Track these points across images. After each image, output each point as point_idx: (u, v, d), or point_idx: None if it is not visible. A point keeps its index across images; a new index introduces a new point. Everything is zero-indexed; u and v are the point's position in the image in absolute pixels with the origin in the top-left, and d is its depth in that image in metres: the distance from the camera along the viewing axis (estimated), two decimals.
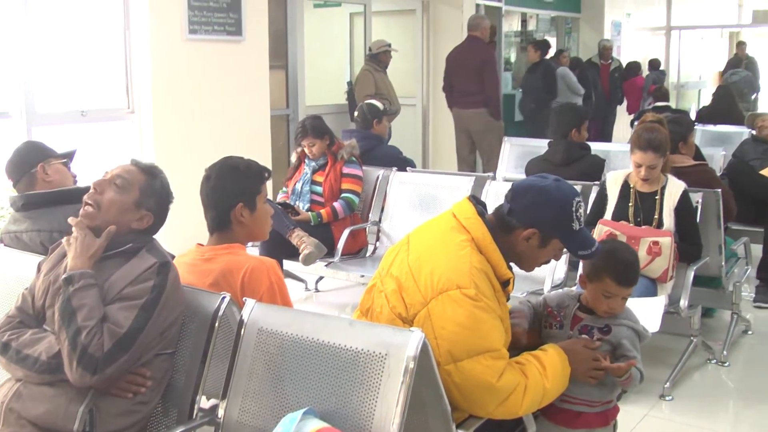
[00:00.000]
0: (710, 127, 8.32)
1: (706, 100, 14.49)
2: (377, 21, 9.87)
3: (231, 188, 2.90)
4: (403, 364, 2.12)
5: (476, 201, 2.62)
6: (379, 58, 8.77)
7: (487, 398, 2.39)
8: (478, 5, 10.69)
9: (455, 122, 9.14)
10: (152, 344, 2.45)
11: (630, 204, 4.44)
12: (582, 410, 2.70)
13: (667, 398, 4.29)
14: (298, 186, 5.57)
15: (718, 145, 7.39)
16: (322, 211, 5.44)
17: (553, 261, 2.69)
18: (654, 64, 13.81)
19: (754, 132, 6.91)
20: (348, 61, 10.40)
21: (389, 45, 8.83)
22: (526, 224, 2.53)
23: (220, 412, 2.41)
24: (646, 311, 3.77)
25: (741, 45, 14.91)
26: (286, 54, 8.31)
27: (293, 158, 5.74)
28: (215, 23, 6.39)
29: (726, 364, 4.77)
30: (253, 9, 6.69)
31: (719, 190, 4.66)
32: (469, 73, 8.77)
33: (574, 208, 2.53)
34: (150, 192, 2.63)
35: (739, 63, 15.07)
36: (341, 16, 10.56)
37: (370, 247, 5.63)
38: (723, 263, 4.68)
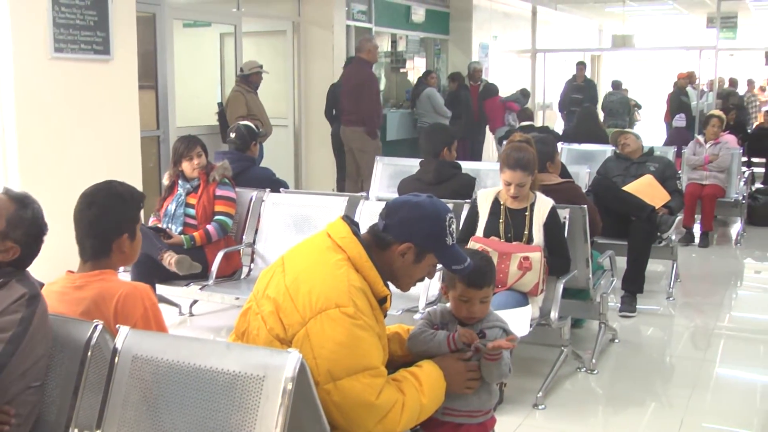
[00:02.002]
0: (575, 146, 8.66)
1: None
2: (248, 42, 9.83)
3: (116, 219, 2.81)
4: (281, 385, 2.11)
5: (350, 221, 2.64)
6: (250, 79, 8.74)
7: (366, 416, 2.41)
8: (348, 26, 10.80)
9: (344, 141, 9.43)
10: (16, 381, 2.35)
11: (501, 221, 4.56)
12: (463, 422, 2.75)
13: (540, 407, 4.41)
14: (172, 208, 5.46)
15: (583, 162, 7.69)
16: (195, 234, 5.35)
17: (427, 279, 2.74)
18: (522, 92, 14.27)
19: (617, 150, 7.23)
20: (219, 81, 10.31)
21: (261, 66, 8.82)
22: (402, 239, 2.57)
23: None
24: (515, 319, 3.90)
25: (580, 65, 14.99)
26: (156, 74, 8.16)
27: (165, 180, 5.63)
28: (82, 42, 6.21)
29: (595, 372, 4.95)
30: (121, 28, 6.54)
31: (585, 206, 4.85)
32: (349, 93, 9.07)
33: (447, 223, 2.59)
34: (18, 223, 2.50)
35: (618, 86, 15.74)
36: (211, 37, 10.47)
37: (245, 269, 5.58)
38: (590, 276, 4.87)
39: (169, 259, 5.02)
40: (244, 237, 5.60)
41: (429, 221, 2.58)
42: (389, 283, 2.62)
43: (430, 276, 2.71)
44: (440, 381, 2.62)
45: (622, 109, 15.24)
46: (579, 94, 14.23)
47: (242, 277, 5.53)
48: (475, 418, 2.77)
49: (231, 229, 5.53)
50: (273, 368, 2.14)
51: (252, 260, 5.58)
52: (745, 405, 4.59)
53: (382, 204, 2.72)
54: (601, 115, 15.23)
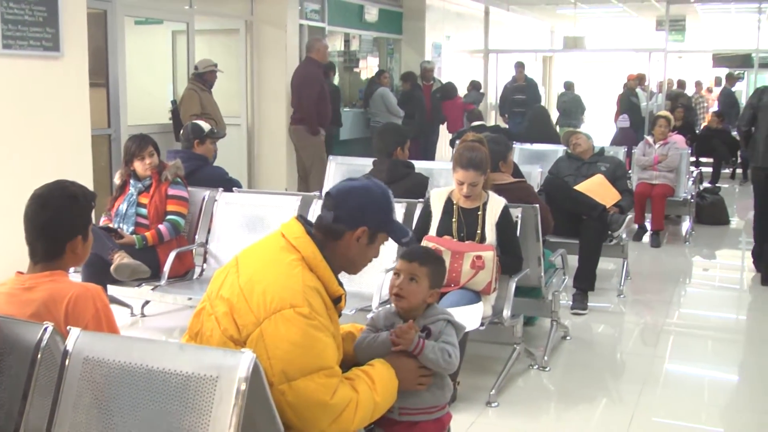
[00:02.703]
0: (527, 146, 8.75)
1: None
2: (200, 40, 9.75)
3: (71, 220, 2.76)
4: (235, 386, 2.10)
5: (304, 220, 2.65)
6: (204, 77, 8.68)
7: (320, 416, 2.40)
8: (301, 25, 10.78)
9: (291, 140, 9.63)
10: None
11: (453, 220, 4.58)
12: (420, 419, 2.77)
13: (493, 405, 4.44)
14: (123, 207, 5.40)
15: (535, 162, 7.76)
16: (147, 233, 5.30)
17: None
18: (474, 85, 14.28)
19: (568, 149, 7.32)
20: (171, 79, 10.21)
21: (215, 65, 8.77)
22: (356, 225, 2.60)
23: None
24: (467, 315, 3.95)
25: (519, 66, 14.70)
26: (107, 71, 8.05)
27: (117, 180, 5.57)
28: (31, 38, 6.10)
29: (547, 369, 5.00)
30: (72, 24, 6.44)
31: (537, 205, 4.90)
32: (294, 91, 9.39)
33: (391, 200, 2.70)
34: None
35: (570, 86, 15.85)
36: (163, 34, 10.37)
37: (198, 269, 5.54)
38: (542, 274, 4.92)
39: (119, 260, 4.97)
40: (196, 237, 5.56)
41: (378, 203, 2.66)
42: (341, 281, 2.63)
43: (377, 255, 2.76)
44: (392, 379, 2.63)
45: (575, 108, 15.41)
46: (522, 95, 14.11)
47: (195, 277, 5.49)
48: (431, 414, 2.79)
49: (183, 229, 5.48)
50: (226, 369, 2.13)
51: (205, 260, 5.54)
52: (693, 400, 4.68)
53: None
54: (555, 115, 15.39)
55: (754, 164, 7.41)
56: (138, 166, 5.42)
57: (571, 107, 15.38)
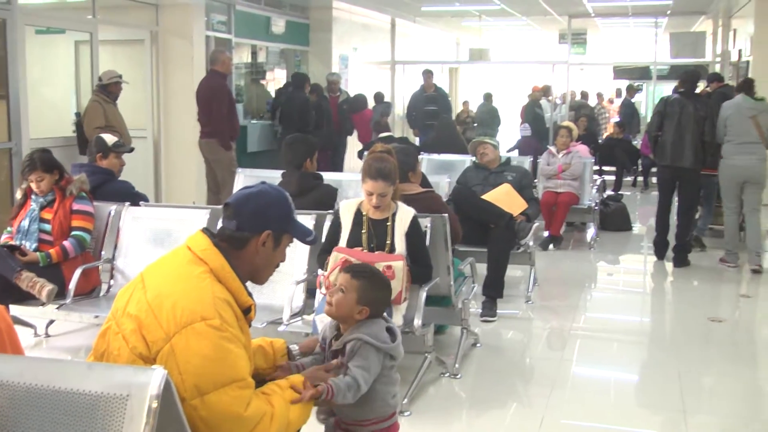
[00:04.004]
0: (435, 156, 8.87)
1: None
2: (104, 50, 9.57)
3: None
4: (146, 404, 2.06)
5: (209, 233, 2.64)
6: (109, 89, 8.52)
7: (235, 429, 2.38)
8: (208, 37, 10.69)
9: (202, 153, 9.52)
10: None
11: (363, 231, 4.60)
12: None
13: (405, 414, 4.45)
14: (25, 224, 5.25)
15: (443, 172, 7.85)
16: (52, 250, 5.16)
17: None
18: (378, 97, 14.29)
19: (475, 159, 7.43)
20: (74, 91, 9.98)
21: (120, 76, 8.61)
22: (259, 230, 2.62)
23: None
24: None
25: (428, 74, 14.24)
26: (7, 83, 7.84)
27: (18, 195, 5.41)
28: None
29: (458, 377, 5.06)
30: None
31: (446, 214, 4.95)
32: (202, 105, 9.22)
33: (290, 201, 2.73)
34: None
35: (488, 98, 16.12)
36: (66, 44, 10.14)
37: (104, 286, 5.42)
38: (452, 283, 4.98)
39: (28, 283, 4.83)
40: (103, 253, 5.44)
41: (278, 205, 2.69)
42: (250, 291, 2.62)
43: (284, 258, 2.77)
44: None
45: (491, 120, 15.71)
46: (433, 106, 13.70)
47: (101, 294, 5.37)
48: (366, 427, 2.83)
49: (89, 245, 5.36)
50: (137, 387, 2.09)
51: (112, 277, 5.43)
52: (600, 400, 4.80)
53: None
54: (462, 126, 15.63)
55: (662, 163, 7.97)
56: (32, 185, 5.27)
57: (488, 118, 15.67)
